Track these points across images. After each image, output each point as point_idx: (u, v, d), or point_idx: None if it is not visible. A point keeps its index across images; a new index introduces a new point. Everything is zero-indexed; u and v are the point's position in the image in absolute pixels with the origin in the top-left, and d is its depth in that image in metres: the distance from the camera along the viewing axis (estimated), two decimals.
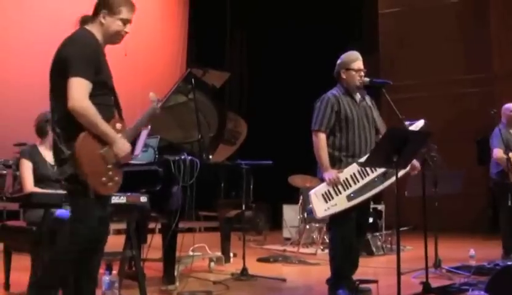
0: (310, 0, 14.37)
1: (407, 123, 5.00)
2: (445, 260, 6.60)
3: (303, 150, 5.22)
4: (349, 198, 4.83)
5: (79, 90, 3.47)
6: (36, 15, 12.45)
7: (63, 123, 3.56)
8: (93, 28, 3.75)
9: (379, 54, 15.07)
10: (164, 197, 5.18)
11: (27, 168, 5.13)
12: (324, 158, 4.93)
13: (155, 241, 5.69)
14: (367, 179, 4.88)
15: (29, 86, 12.12)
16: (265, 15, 14.61)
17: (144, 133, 5.57)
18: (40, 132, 5.30)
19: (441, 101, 14.18)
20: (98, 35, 3.75)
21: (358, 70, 5.05)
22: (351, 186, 4.85)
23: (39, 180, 5.11)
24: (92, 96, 3.53)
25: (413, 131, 4.86)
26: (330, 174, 4.85)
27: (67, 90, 3.47)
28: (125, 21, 3.75)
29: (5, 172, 10.93)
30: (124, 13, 3.73)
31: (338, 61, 5.15)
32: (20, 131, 8.65)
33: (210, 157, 6.07)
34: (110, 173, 3.57)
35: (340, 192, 4.83)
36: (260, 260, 7.69)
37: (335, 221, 5.02)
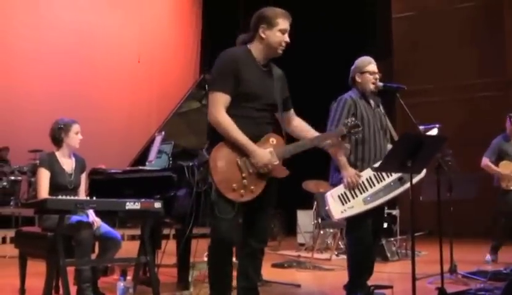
0: (323, 6, 14.37)
1: (421, 127, 4.98)
2: (460, 265, 6.56)
3: (316, 155, 5.18)
4: (366, 201, 4.80)
5: (213, 102, 3.93)
6: (49, 25, 12.54)
7: (208, 127, 4.03)
8: (253, 46, 4.08)
9: (393, 58, 15.04)
10: (178, 203, 5.18)
11: (44, 177, 5.14)
12: (342, 157, 4.89)
13: (169, 247, 5.69)
14: (383, 183, 4.86)
15: (43, 94, 12.25)
16: None
17: (158, 140, 5.61)
18: (56, 140, 5.31)
19: (455, 105, 14.12)
20: (257, 51, 4.08)
21: (373, 73, 5.03)
22: (367, 190, 4.83)
23: (56, 189, 5.11)
24: (236, 107, 3.91)
25: (427, 136, 4.84)
26: (349, 173, 4.82)
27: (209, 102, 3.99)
28: (284, 31, 4.04)
29: (20, 178, 11.03)
30: (281, 24, 4.04)
31: (352, 67, 5.14)
32: (34, 138, 8.74)
33: None
34: (245, 181, 3.86)
35: (356, 195, 4.81)
36: (274, 265, 7.68)
37: (352, 226, 5.01)
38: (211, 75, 4.03)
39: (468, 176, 6.91)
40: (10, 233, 8.38)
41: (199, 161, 4.02)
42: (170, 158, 5.61)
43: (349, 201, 4.80)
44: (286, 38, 4.05)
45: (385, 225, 9.41)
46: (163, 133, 5.64)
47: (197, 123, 6.27)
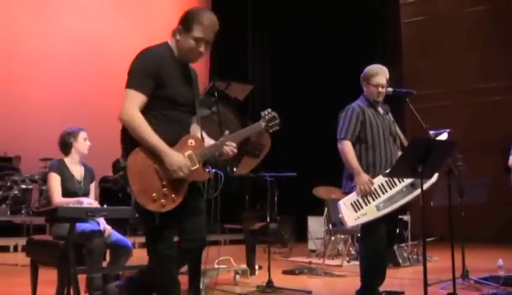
0: (333, 10, 14.37)
1: (431, 132, 4.97)
2: (472, 270, 6.52)
3: (327, 161, 5.19)
4: (379, 208, 4.80)
5: (127, 100, 3.54)
6: (58, 34, 12.60)
7: (122, 132, 3.63)
8: (173, 43, 3.77)
9: (402, 63, 15.02)
10: None
11: (56, 180, 5.19)
12: (354, 162, 4.89)
13: None
14: (395, 190, 4.85)
15: (53, 103, 12.28)
16: (289, 24, 14.63)
17: None
18: (64, 148, 5.35)
19: (464, 109, 14.10)
20: (175, 49, 3.75)
21: (376, 86, 5.03)
22: (379, 196, 4.82)
23: (66, 195, 5.16)
24: (152, 110, 3.57)
25: (437, 141, 4.83)
26: (363, 179, 4.82)
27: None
28: (198, 40, 3.66)
29: (31, 187, 11.07)
30: (197, 32, 3.67)
31: (362, 73, 5.15)
32: (45, 147, 8.76)
33: (234, 169, 6.06)
34: (165, 189, 3.52)
35: (369, 202, 4.81)
36: (285, 272, 7.65)
37: (366, 232, 5.00)
38: (130, 72, 3.63)
39: (478, 180, 6.88)
40: (22, 242, 8.39)
41: (116, 169, 3.69)
42: None
43: (362, 208, 4.79)
44: (201, 48, 3.68)
45: (396, 230, 9.38)
46: None
47: (206, 130, 6.27)
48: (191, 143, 3.69)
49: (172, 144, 3.57)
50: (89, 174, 5.44)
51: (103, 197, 5.46)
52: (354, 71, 5.27)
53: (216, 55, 15.48)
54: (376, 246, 4.91)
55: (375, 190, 4.82)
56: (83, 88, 12.67)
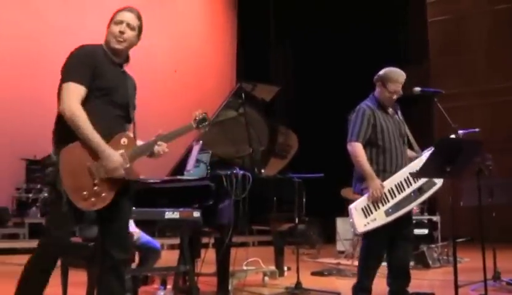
0: (357, 10, 14.32)
1: (460, 132, 4.92)
2: (504, 272, 6.44)
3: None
4: (387, 213, 4.79)
5: (69, 93, 3.53)
6: (82, 35, 12.59)
7: (55, 125, 3.63)
8: (106, 45, 3.80)
9: (428, 62, 14.91)
10: (216, 212, 5.19)
11: None
12: (366, 165, 4.87)
13: (208, 256, 5.70)
14: (404, 194, 4.84)
15: None
16: (311, 25, 14.60)
17: (195, 149, 5.64)
18: None
19: (491, 108, 13.94)
20: (106, 45, 3.77)
21: (392, 93, 5.01)
22: (388, 201, 4.81)
23: None
24: (87, 102, 3.56)
25: (465, 140, 4.78)
26: (375, 185, 4.80)
27: (61, 93, 3.56)
28: (118, 22, 3.75)
29: None
30: (117, 16, 3.77)
31: (380, 72, 5.11)
32: None
33: (262, 170, 6.07)
34: (96, 188, 3.52)
35: (379, 207, 4.80)
36: (313, 273, 7.64)
37: (366, 234, 4.99)
38: (67, 65, 3.62)
39: (508, 180, 6.79)
40: None
41: (45, 164, 3.54)
42: (208, 167, 5.63)
43: (372, 213, 4.80)
44: (121, 28, 3.72)
45: (426, 231, 9.31)
46: (200, 142, 5.66)
47: (233, 132, 6.30)
48: (124, 142, 3.67)
49: (104, 139, 3.55)
50: None
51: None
52: (378, 70, 5.22)
53: (242, 57, 15.57)
54: (373, 250, 4.97)
55: (385, 194, 4.81)
56: None
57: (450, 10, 15.21)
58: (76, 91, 3.53)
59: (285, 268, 6.91)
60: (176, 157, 6.08)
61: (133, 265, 5.24)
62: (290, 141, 6.91)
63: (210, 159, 5.72)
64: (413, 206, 4.95)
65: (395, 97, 5.03)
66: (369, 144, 4.98)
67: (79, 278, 5.01)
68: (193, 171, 5.56)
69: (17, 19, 11.69)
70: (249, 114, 6.13)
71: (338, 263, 8.94)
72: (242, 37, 15.69)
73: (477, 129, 5.24)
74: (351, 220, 4.85)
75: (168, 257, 6.09)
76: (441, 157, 4.30)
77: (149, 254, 5.27)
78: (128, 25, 3.75)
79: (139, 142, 3.81)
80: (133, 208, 4.57)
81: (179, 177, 5.67)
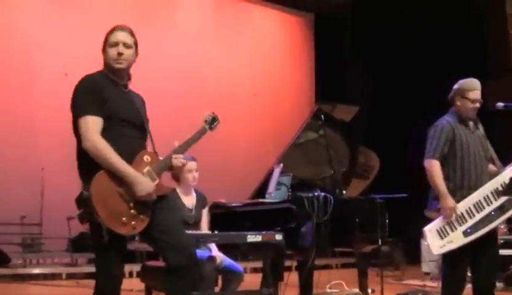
0: (437, 27, 14.07)
1: None
2: None
3: None
4: (466, 233, 4.63)
5: (89, 128, 3.56)
6: (158, 63, 12.76)
7: (78, 161, 3.68)
8: (104, 67, 3.85)
9: (511, 76, 14.46)
10: (298, 234, 5.16)
11: None
12: (441, 185, 4.74)
13: (292, 279, 5.66)
14: (483, 213, 4.66)
15: (161, 129, 12.44)
16: (387, 42, 14.45)
17: (276, 172, 5.63)
18: (175, 177, 5.47)
19: None
20: (106, 71, 3.81)
21: (474, 101, 4.86)
22: (466, 221, 4.65)
23: None
24: (104, 129, 3.60)
25: None
26: (448, 204, 4.66)
27: (79, 129, 3.60)
28: (113, 44, 3.75)
29: None
30: (110, 38, 3.77)
31: (455, 86, 4.99)
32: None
33: (344, 192, 6.01)
34: (132, 211, 3.56)
35: (456, 228, 4.64)
36: None
37: (445, 260, 4.88)
38: (76, 100, 3.65)
39: None
40: (136, 268, 8.63)
41: (79, 204, 3.52)
42: (289, 190, 5.61)
43: (448, 235, 4.66)
44: (118, 49, 3.72)
45: None
46: (281, 164, 5.65)
47: (314, 153, 6.26)
48: (147, 159, 3.72)
49: (127, 161, 3.58)
50: (201, 201, 5.53)
51: (213, 223, 5.53)
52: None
53: (320, 77, 15.55)
54: (454, 278, 4.80)
55: (462, 214, 4.65)
56: (190, 115, 12.88)
57: None
58: (94, 125, 3.57)
59: (370, 291, 6.78)
60: (257, 179, 6.09)
61: (216, 289, 5.26)
62: (371, 161, 6.82)
63: (291, 181, 5.70)
64: (494, 225, 4.74)
65: (478, 105, 4.88)
66: (447, 161, 4.85)
67: None
68: (274, 194, 5.55)
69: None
70: (329, 134, 6.10)
71: (424, 285, 8.74)
72: (321, 57, 15.68)
73: None
74: (425, 243, 4.73)
75: (252, 280, 6.08)
76: None
77: (232, 277, 5.29)
78: (124, 44, 3.77)
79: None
80: (215, 232, 4.62)
81: (261, 200, 5.68)
